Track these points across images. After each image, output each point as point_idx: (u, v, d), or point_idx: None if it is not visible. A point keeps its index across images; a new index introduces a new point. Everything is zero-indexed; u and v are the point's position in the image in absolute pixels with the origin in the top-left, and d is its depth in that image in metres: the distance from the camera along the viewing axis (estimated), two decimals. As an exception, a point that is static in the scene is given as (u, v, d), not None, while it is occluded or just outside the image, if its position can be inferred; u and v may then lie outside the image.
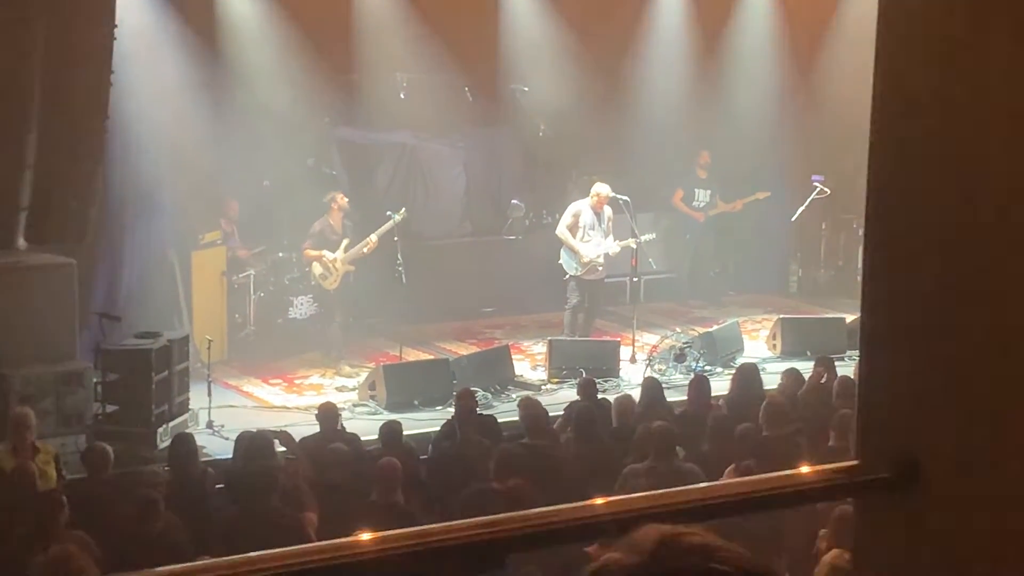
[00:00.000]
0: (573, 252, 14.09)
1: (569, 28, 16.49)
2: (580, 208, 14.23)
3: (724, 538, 1.55)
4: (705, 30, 17.22)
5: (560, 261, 14.27)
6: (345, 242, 13.70)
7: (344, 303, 13.96)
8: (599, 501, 2.42)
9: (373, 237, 13.73)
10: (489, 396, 12.52)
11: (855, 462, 2.64)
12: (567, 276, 14.24)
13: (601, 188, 14.16)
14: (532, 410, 10.33)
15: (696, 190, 16.83)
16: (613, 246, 14.17)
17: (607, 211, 14.25)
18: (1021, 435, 2.40)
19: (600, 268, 14.23)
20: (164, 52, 13.51)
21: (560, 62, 16.44)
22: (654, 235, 14.98)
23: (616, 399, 10.68)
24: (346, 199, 13.93)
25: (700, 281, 17.16)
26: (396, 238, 13.67)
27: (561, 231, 14.22)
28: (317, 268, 13.71)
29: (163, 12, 13.60)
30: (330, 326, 13.98)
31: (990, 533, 2.42)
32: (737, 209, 16.85)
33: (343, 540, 2.21)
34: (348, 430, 10.38)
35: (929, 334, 2.56)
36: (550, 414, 10.56)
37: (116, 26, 11.03)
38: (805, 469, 2.69)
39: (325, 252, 13.67)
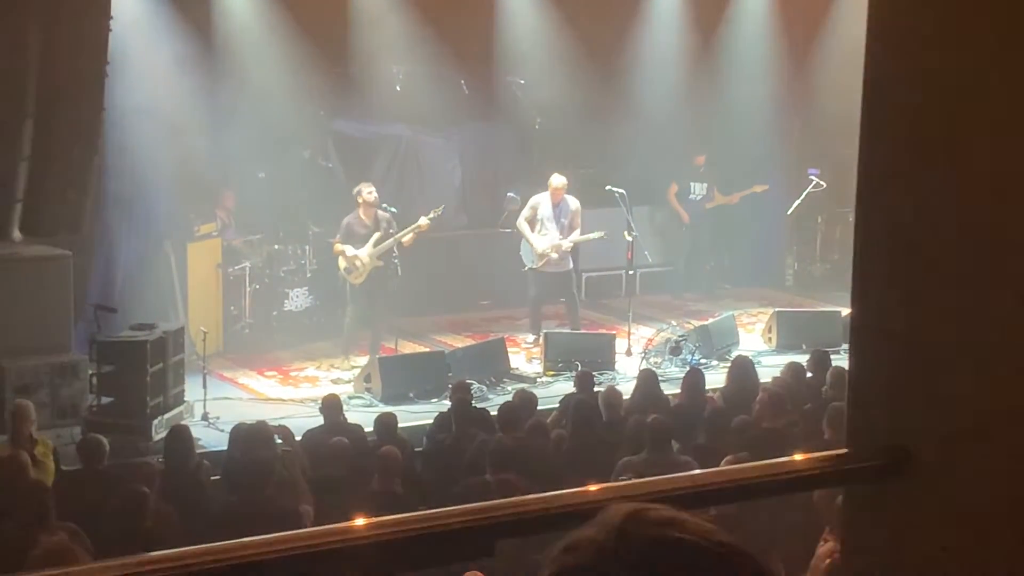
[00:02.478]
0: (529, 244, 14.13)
1: (565, 21, 16.48)
2: (539, 200, 14.24)
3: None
4: (701, 23, 17.21)
5: (520, 253, 14.29)
6: (376, 235, 13.37)
7: (362, 298, 13.57)
8: (590, 488, 2.43)
9: (415, 228, 13.48)
10: (484, 389, 12.52)
11: (845, 450, 2.65)
12: (525, 268, 14.25)
13: (555, 180, 14.16)
14: (526, 403, 10.35)
15: (692, 183, 16.83)
16: (565, 241, 14.07)
17: (571, 203, 14.17)
18: (1006, 424, 2.41)
19: (556, 260, 14.14)
20: (160, 44, 13.49)
21: (556, 55, 16.44)
22: (636, 234, 14.58)
23: (603, 392, 10.65)
24: (373, 193, 13.40)
25: (696, 274, 17.17)
26: (392, 231, 13.61)
27: (520, 223, 14.26)
28: (341, 263, 13.41)
29: (159, 4, 13.58)
30: (344, 319, 13.77)
31: (977, 519, 2.43)
32: (734, 202, 16.86)
33: (335, 526, 2.21)
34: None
35: (917, 325, 2.57)
36: (545, 407, 10.57)
37: (112, 18, 11.05)
38: (796, 457, 2.70)
39: (347, 248, 13.32)
